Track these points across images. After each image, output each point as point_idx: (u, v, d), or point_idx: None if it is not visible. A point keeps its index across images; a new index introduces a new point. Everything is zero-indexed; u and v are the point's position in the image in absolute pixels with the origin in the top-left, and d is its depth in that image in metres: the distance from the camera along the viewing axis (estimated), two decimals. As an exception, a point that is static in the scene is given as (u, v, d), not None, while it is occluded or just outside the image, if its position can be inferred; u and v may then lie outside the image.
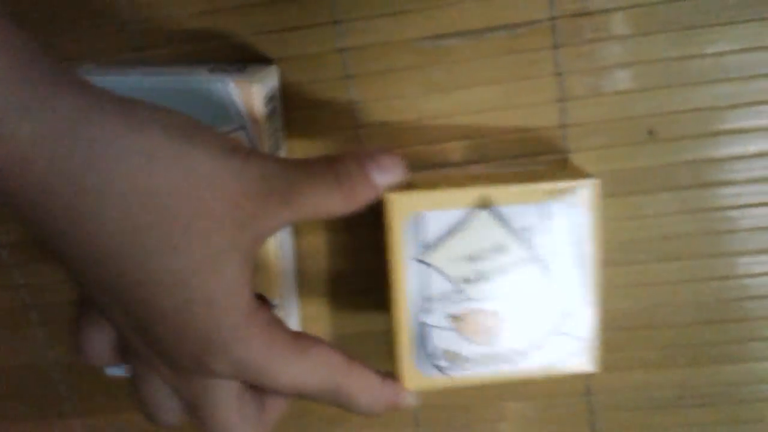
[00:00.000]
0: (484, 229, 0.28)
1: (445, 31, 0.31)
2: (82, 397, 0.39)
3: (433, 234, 0.27)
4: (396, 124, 0.32)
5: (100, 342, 0.25)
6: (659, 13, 0.30)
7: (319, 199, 0.23)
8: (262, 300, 0.25)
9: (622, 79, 0.31)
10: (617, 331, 0.35)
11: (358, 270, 0.35)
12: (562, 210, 0.27)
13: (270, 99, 0.30)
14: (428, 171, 0.32)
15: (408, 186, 0.27)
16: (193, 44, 0.32)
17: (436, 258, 0.28)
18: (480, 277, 0.28)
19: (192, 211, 0.20)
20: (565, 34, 0.31)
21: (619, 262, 0.34)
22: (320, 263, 0.35)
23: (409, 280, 0.28)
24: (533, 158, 0.32)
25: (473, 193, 0.27)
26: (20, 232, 0.36)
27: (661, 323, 0.35)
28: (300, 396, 0.25)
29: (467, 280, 0.28)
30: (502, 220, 0.28)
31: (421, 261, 0.28)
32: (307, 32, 0.31)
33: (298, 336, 0.24)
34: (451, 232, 0.28)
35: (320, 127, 0.33)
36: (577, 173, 0.29)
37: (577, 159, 0.32)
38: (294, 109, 0.33)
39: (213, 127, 0.22)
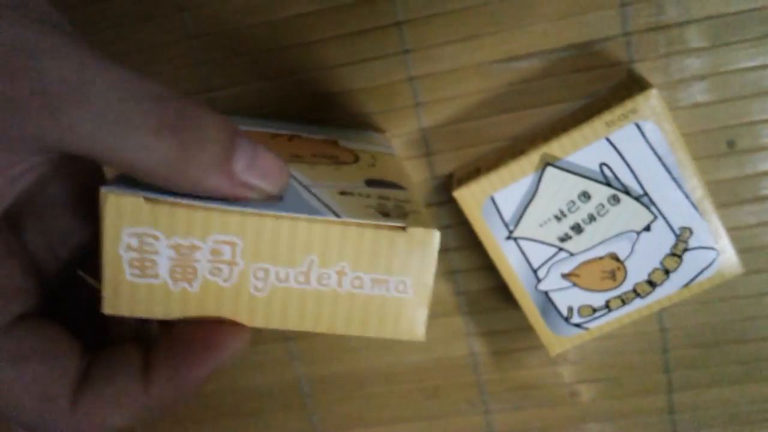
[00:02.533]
0: (558, 186, 0.28)
1: (516, 53, 0.31)
2: None
3: (511, 209, 0.28)
4: (466, 149, 0.32)
5: None
6: (733, 24, 0.30)
7: (121, 128, 0.15)
8: None
9: (700, 92, 0.31)
10: (700, 347, 0.34)
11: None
12: (630, 134, 0.27)
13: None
14: (493, 147, 0.32)
15: (475, 173, 0.28)
16: (264, 82, 0.32)
17: (525, 229, 0.28)
18: (577, 230, 0.28)
19: None
20: (640, 48, 0.30)
21: (701, 276, 0.33)
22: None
23: (510, 258, 0.28)
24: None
25: (532, 157, 0.27)
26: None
27: (745, 338, 0.34)
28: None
29: (565, 238, 0.28)
30: (572, 169, 0.27)
31: (512, 238, 0.28)
32: (377, 63, 0.31)
33: (14, 333, 0.17)
34: (528, 200, 0.28)
35: (391, 155, 0.33)
36: (634, 88, 0.28)
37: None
38: (364, 138, 0.32)
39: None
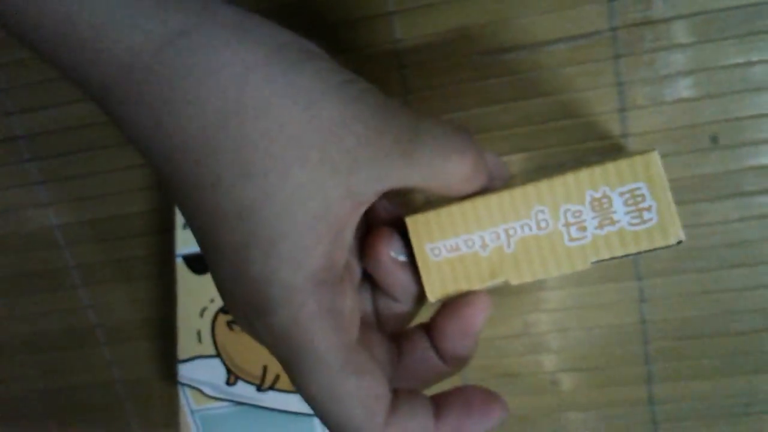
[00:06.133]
0: None
1: (505, 45, 0.31)
2: (147, 414, 0.40)
3: None
4: (455, 138, 0.33)
5: None
6: (720, 20, 0.30)
7: (443, 161, 0.19)
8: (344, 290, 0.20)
9: (684, 87, 0.31)
10: (681, 339, 0.35)
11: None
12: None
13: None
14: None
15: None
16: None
17: None
18: None
19: (277, 138, 0.17)
20: (626, 44, 0.31)
21: (683, 270, 0.34)
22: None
23: None
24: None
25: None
26: (88, 254, 0.37)
27: (726, 331, 0.35)
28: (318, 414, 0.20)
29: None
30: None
31: None
32: (368, 51, 0.32)
33: (358, 350, 0.19)
34: None
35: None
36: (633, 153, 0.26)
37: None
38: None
39: (325, 54, 0.19)
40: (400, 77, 0.32)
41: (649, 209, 0.22)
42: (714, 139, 0.32)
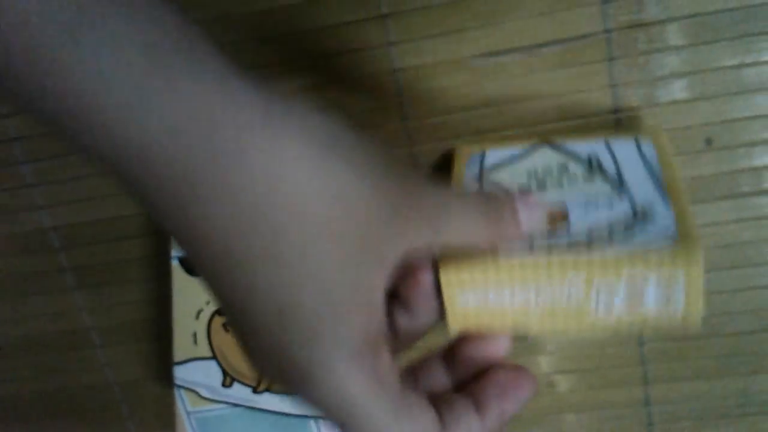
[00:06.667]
0: (545, 158, 0.28)
1: (499, 48, 0.31)
2: (143, 416, 0.40)
3: (493, 161, 0.29)
4: (450, 141, 0.33)
5: None
6: (714, 23, 0.30)
7: (466, 226, 0.22)
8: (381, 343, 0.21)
9: (678, 89, 0.31)
10: (676, 341, 0.35)
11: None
12: (628, 145, 0.28)
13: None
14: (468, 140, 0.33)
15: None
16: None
17: (494, 176, 0.29)
18: (540, 186, 0.28)
19: (311, 226, 0.18)
20: (620, 46, 0.31)
21: (678, 271, 0.34)
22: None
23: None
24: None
25: (533, 137, 0.29)
26: (83, 256, 0.37)
27: (720, 332, 0.35)
28: None
29: (527, 189, 0.28)
30: (564, 150, 0.29)
31: (479, 180, 0.29)
32: (362, 55, 0.32)
33: (404, 393, 0.21)
34: (512, 160, 0.29)
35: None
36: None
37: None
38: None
39: (355, 131, 0.20)
40: (394, 80, 0.32)
41: (678, 300, 0.23)
42: (708, 141, 0.32)
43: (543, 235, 0.25)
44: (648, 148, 0.28)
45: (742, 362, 0.35)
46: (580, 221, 0.26)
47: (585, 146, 0.29)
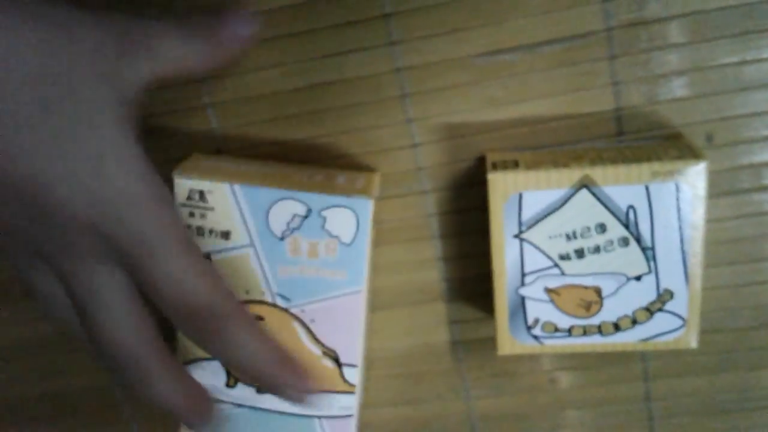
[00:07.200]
0: (584, 209, 0.29)
1: (500, 46, 0.31)
2: (144, 417, 0.40)
3: (533, 212, 0.29)
4: (453, 140, 0.33)
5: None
6: (714, 20, 0.30)
7: (180, 47, 0.24)
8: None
9: (679, 86, 0.31)
10: (677, 336, 0.35)
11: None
12: (666, 191, 0.28)
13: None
14: (532, 150, 0.32)
15: (513, 164, 0.29)
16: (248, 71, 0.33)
17: (535, 235, 0.29)
18: (578, 255, 0.29)
19: (54, 70, 0.20)
20: (622, 44, 0.31)
21: (679, 268, 0.34)
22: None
23: (508, 255, 0.29)
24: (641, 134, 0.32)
25: (575, 173, 0.28)
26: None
27: (721, 327, 0.35)
28: (173, 308, 0.23)
29: (565, 257, 0.29)
30: (603, 199, 0.28)
31: (519, 238, 0.29)
32: (364, 54, 0.32)
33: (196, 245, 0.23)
34: (551, 210, 0.29)
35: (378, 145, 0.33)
36: (686, 152, 0.29)
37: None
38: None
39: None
40: (397, 79, 0.32)
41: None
42: (709, 138, 0.32)
43: (580, 318, 0.30)
44: (685, 198, 0.28)
45: (742, 358, 0.35)
46: (611, 304, 0.30)
47: (624, 193, 0.28)
